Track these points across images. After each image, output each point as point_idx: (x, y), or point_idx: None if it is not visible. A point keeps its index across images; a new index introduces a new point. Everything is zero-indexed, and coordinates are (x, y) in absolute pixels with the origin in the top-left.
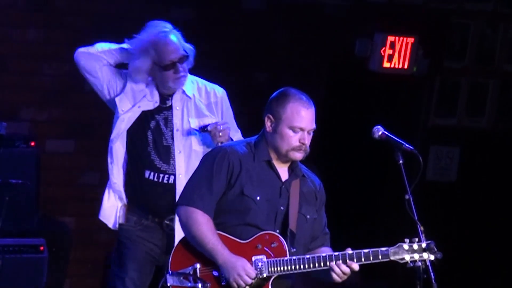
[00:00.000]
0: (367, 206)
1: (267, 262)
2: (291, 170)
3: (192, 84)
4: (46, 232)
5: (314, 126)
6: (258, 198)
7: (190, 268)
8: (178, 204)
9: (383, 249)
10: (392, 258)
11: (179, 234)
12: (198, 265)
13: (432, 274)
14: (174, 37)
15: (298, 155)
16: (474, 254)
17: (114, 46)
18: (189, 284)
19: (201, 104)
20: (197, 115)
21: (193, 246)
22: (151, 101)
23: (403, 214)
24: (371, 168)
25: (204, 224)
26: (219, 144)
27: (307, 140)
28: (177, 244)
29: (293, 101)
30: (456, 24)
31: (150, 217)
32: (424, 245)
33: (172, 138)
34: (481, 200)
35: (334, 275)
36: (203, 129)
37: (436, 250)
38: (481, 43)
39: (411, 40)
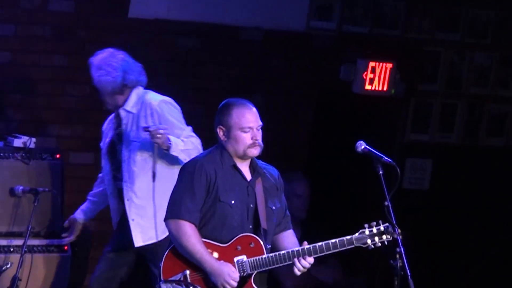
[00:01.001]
0: (352, 211)
1: (248, 261)
2: (252, 169)
3: (138, 101)
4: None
5: (260, 123)
6: (232, 202)
7: (180, 274)
8: (167, 218)
9: (348, 237)
10: (356, 244)
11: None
12: (187, 272)
13: (408, 271)
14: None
15: (255, 151)
16: (444, 251)
17: None
18: None
19: (141, 118)
20: (136, 128)
21: (181, 254)
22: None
23: (383, 219)
24: (354, 178)
25: (192, 236)
26: (156, 143)
27: (258, 136)
28: (166, 254)
29: (235, 107)
30: (429, 52)
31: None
32: (382, 228)
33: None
34: (450, 205)
35: (295, 269)
36: (145, 128)
37: (392, 231)
38: (451, 69)
39: (389, 65)
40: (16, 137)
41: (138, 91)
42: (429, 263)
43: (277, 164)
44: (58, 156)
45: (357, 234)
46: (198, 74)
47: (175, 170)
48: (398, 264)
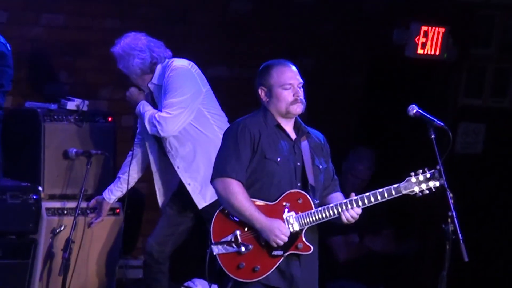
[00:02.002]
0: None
1: (297, 217)
2: (297, 129)
3: (162, 72)
4: (121, 197)
5: (301, 80)
6: (279, 159)
7: (231, 235)
8: (214, 178)
9: (395, 185)
10: (404, 191)
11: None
12: (238, 232)
13: (460, 235)
14: None
15: (298, 108)
16: (495, 216)
17: None
18: (233, 249)
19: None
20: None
21: (230, 216)
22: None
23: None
24: (407, 142)
25: (240, 194)
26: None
27: (300, 93)
28: (216, 216)
29: (275, 66)
30: (482, 16)
31: None
32: (428, 175)
33: None
34: (503, 170)
35: (343, 217)
36: None
37: (439, 176)
38: (505, 33)
39: (442, 30)
40: (69, 99)
41: (162, 64)
42: (480, 227)
43: (327, 130)
44: (110, 119)
45: (403, 182)
46: (250, 38)
47: (211, 133)
48: (450, 228)
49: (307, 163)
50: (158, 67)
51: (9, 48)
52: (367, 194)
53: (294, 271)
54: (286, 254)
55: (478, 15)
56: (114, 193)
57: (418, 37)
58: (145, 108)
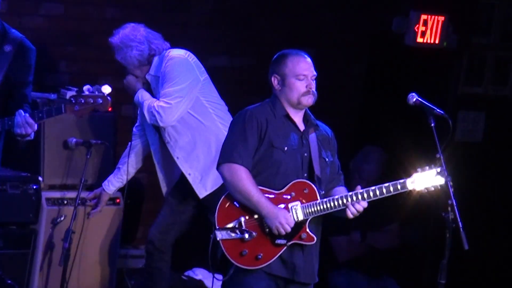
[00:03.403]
0: (404, 165)
1: (302, 206)
2: (306, 120)
3: (159, 63)
4: (122, 187)
5: (315, 72)
6: (286, 148)
7: (235, 221)
8: (220, 163)
9: (401, 180)
10: (409, 187)
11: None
12: (242, 218)
13: (460, 223)
14: None
15: (309, 100)
16: (495, 204)
17: None
18: (237, 236)
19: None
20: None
21: (233, 202)
22: None
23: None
24: (407, 130)
25: (246, 179)
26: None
27: (313, 85)
28: (221, 202)
29: (290, 56)
30: (483, 4)
31: None
32: (434, 172)
33: None
34: (503, 158)
35: (348, 212)
36: None
37: (446, 174)
38: (505, 21)
39: (442, 18)
40: (69, 89)
41: (160, 55)
42: (480, 215)
43: (329, 119)
44: (110, 109)
45: (410, 177)
46: (250, 27)
47: (210, 122)
48: (450, 217)
49: (314, 155)
50: (156, 58)
51: None
52: (373, 187)
53: (297, 260)
54: (290, 243)
55: (478, 3)
56: (113, 184)
57: (417, 25)
58: (144, 97)
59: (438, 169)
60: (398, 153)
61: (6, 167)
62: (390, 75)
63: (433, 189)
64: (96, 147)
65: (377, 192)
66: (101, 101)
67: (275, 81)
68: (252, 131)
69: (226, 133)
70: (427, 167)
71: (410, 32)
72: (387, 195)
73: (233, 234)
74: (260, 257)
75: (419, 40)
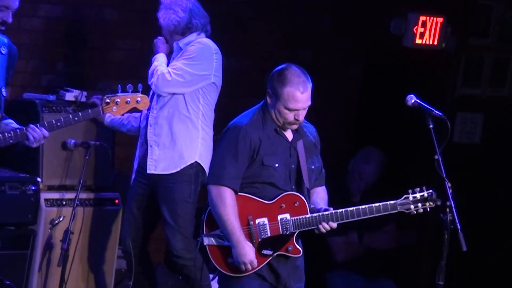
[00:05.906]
0: (402, 166)
1: (291, 220)
2: (294, 130)
3: (192, 41)
4: (120, 187)
5: (309, 103)
6: (276, 165)
7: None
8: (209, 183)
9: (391, 202)
10: (399, 209)
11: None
12: None
13: (458, 224)
14: None
15: (293, 126)
16: (493, 206)
17: None
18: (223, 243)
19: None
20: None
21: None
22: None
23: (433, 172)
24: (405, 132)
25: (229, 207)
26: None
27: (301, 116)
28: (209, 209)
29: (290, 85)
30: (481, 5)
31: None
32: (425, 194)
33: None
34: (501, 159)
35: (321, 228)
36: None
37: (436, 198)
38: (503, 23)
39: (440, 19)
40: (67, 90)
41: (198, 36)
42: (479, 216)
43: (326, 121)
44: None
45: (400, 199)
46: (247, 29)
47: (194, 116)
48: (448, 218)
49: (303, 166)
50: (193, 35)
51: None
52: (363, 206)
53: (282, 272)
54: (275, 254)
55: (476, 4)
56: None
57: (416, 27)
58: (158, 59)
59: (430, 193)
60: (396, 155)
61: (5, 167)
62: (388, 77)
63: (422, 211)
64: (94, 148)
65: (367, 211)
66: (140, 100)
67: (269, 94)
68: (244, 152)
69: (200, 135)
70: (418, 189)
71: (408, 34)
72: (377, 214)
73: (219, 241)
74: None
75: (418, 41)
